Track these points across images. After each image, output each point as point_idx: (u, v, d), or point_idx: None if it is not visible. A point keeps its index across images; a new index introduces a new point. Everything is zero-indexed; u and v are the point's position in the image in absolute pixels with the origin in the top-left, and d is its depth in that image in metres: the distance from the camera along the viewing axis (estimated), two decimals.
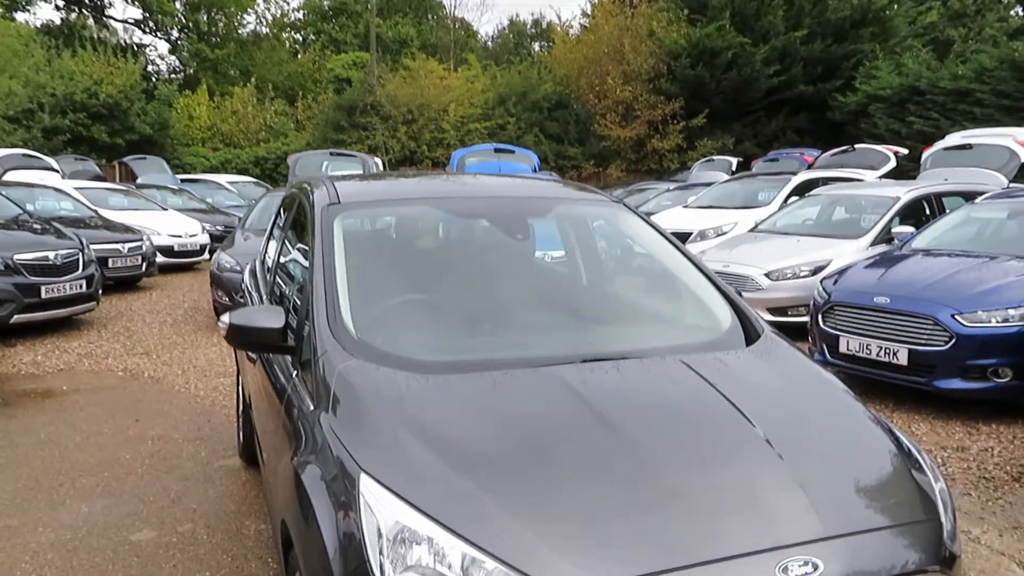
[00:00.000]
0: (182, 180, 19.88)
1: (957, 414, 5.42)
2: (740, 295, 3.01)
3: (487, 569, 1.70)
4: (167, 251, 12.98)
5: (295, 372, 2.62)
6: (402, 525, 1.79)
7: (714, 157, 19.56)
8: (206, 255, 13.91)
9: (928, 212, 8.62)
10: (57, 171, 15.04)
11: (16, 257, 7.85)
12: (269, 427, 3.03)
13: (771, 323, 2.92)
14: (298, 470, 2.19)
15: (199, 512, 3.97)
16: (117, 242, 10.98)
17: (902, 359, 5.51)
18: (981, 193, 8.46)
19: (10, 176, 13.71)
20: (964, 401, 5.46)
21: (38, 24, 33.25)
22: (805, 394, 2.39)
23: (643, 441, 2.01)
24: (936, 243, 6.80)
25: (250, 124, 29.70)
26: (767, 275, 7.66)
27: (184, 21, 38.10)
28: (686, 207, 12.36)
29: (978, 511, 3.97)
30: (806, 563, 1.70)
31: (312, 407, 2.33)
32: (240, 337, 2.69)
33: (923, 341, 5.42)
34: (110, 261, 10.58)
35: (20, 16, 31.02)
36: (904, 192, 8.65)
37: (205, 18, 38.46)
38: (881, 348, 5.63)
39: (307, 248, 3.27)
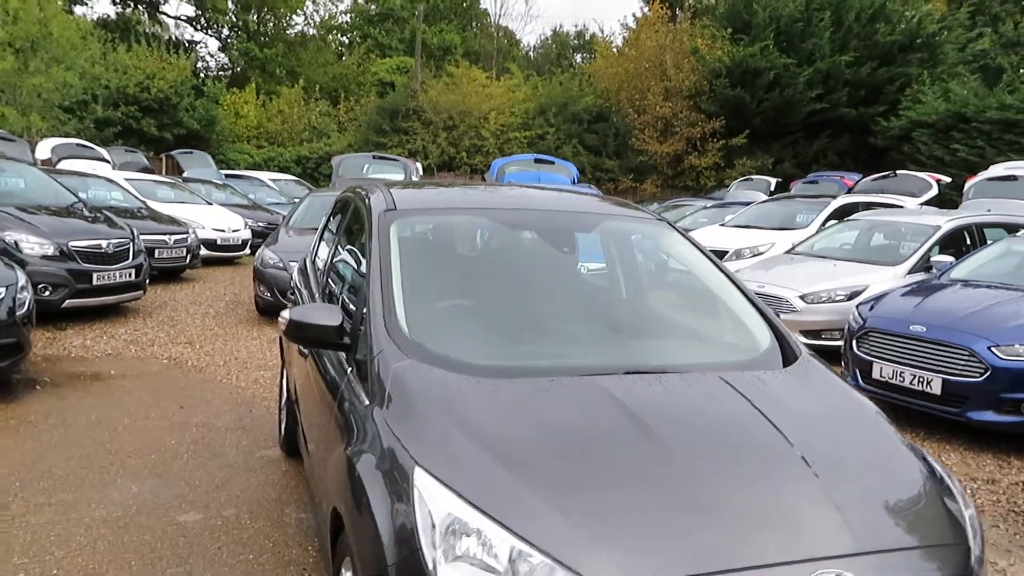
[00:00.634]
0: (226, 175, 20.30)
1: (988, 446, 5.42)
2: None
3: (533, 562, 1.81)
4: (210, 245, 13.28)
5: (350, 368, 2.76)
6: (453, 517, 1.91)
7: (752, 177, 19.53)
8: (247, 250, 14.23)
9: (969, 242, 8.58)
10: (108, 162, 15.48)
11: (71, 244, 8.14)
12: (318, 419, 3.17)
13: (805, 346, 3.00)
14: (352, 460, 2.32)
15: (242, 498, 4.13)
16: (164, 234, 11.29)
17: (935, 388, 5.52)
18: (1023, 226, 8.42)
19: (64, 164, 14.15)
20: (996, 434, 5.46)
21: (95, 18, 34.15)
22: (841, 417, 2.47)
23: (684, 452, 2.11)
24: (975, 274, 6.79)
25: (295, 124, 30.24)
26: (802, 297, 7.68)
27: (235, 19, 38.93)
28: (723, 225, 12.39)
29: (1006, 543, 4.00)
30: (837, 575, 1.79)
31: (367, 402, 2.46)
32: (298, 332, 2.83)
33: (958, 371, 5.43)
34: (156, 252, 10.87)
35: (78, 10, 31.92)
36: (945, 221, 8.61)
37: (255, 17, 39.26)
38: (915, 376, 5.64)
39: (361, 250, 3.42)
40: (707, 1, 29.19)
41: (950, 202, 14.60)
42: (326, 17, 43.08)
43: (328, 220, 4.69)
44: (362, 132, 28.53)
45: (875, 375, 5.88)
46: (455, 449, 2.11)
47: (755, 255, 10.41)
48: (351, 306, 3.09)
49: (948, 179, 13.54)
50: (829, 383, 2.70)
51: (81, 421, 5.25)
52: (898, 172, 13.52)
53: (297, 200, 18.77)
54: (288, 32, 40.53)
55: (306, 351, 3.47)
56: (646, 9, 28.74)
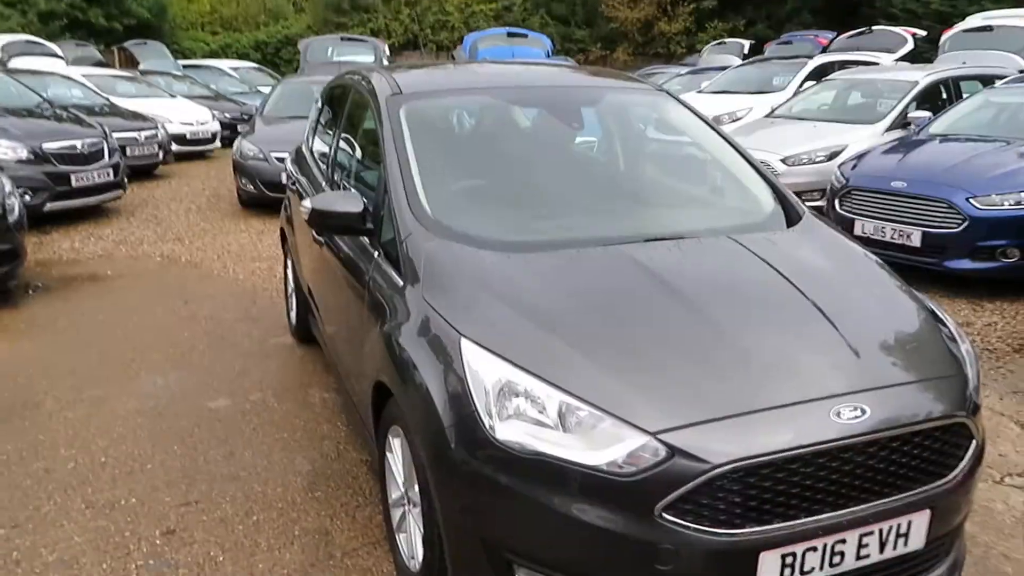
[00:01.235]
0: (184, 66, 19.54)
1: (963, 293, 5.72)
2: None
3: (580, 415, 1.99)
4: (180, 139, 12.99)
5: (376, 252, 2.86)
6: (504, 380, 2.07)
7: (725, 40, 19.18)
8: (218, 143, 13.95)
9: (945, 96, 8.65)
10: (61, 58, 14.85)
11: (44, 146, 7.97)
12: (342, 304, 3.29)
13: None
14: (393, 336, 2.47)
15: (265, 383, 4.31)
16: (133, 130, 11.00)
17: (915, 241, 5.77)
18: (998, 77, 8.49)
19: (15, 63, 13.55)
20: (970, 281, 5.76)
21: None
22: (847, 268, 2.64)
23: (710, 308, 2.28)
24: (953, 128, 6.93)
25: (250, 6, 28.84)
26: (784, 160, 7.78)
27: None
28: (700, 92, 12.31)
29: (981, 379, 4.31)
30: (855, 409, 1.99)
31: (400, 283, 2.58)
32: (322, 221, 2.91)
33: (937, 224, 5.66)
34: (128, 149, 10.63)
35: None
36: (922, 76, 8.65)
37: None
38: (896, 231, 5.87)
39: (369, 137, 3.46)
40: None
41: (924, 56, 14.55)
42: None
43: (321, 109, 4.65)
44: (320, 12, 27.34)
45: (857, 231, 6.09)
46: (496, 318, 2.25)
47: (734, 120, 10.44)
48: (367, 192, 3.15)
49: (923, 32, 13.44)
50: (833, 239, 2.87)
51: (90, 321, 5.35)
52: (873, 28, 13.37)
53: (261, 89, 18.34)
54: None
55: (321, 239, 3.55)
56: None
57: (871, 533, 2.01)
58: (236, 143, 9.25)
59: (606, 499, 1.91)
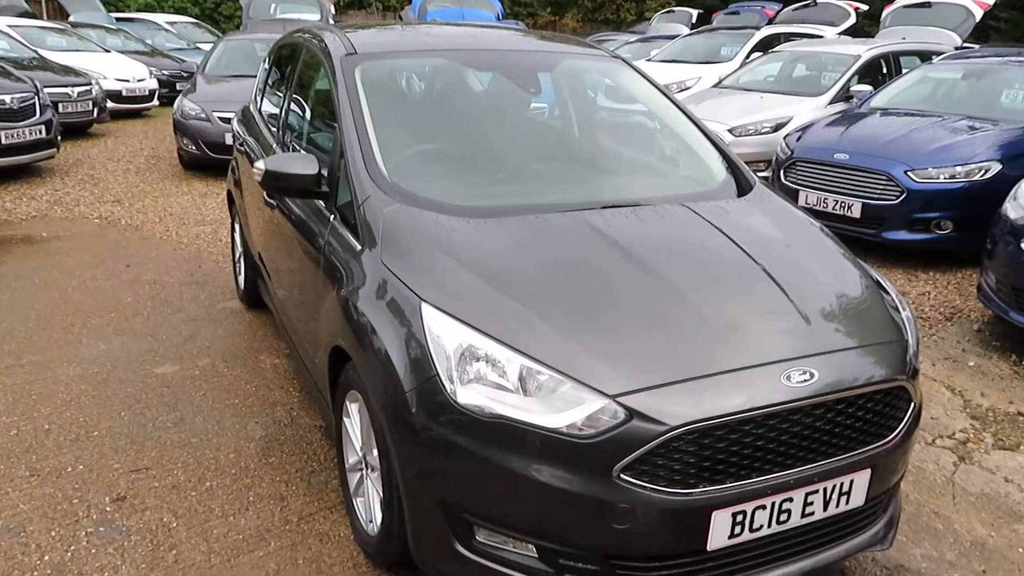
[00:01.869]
0: (117, 19, 18.73)
1: (899, 263, 5.94)
2: None
3: (540, 379, 2.02)
4: (115, 96, 12.51)
5: (332, 216, 2.82)
6: (465, 345, 2.08)
7: (674, 9, 19.23)
8: (155, 101, 13.48)
9: (885, 71, 8.88)
10: None
11: None
12: (295, 268, 3.25)
13: None
14: (350, 300, 2.45)
15: (213, 348, 4.24)
16: (66, 86, 10.56)
17: (855, 212, 5.94)
18: (936, 52, 8.74)
19: None
20: (906, 251, 5.97)
21: None
22: (796, 237, 2.72)
23: (667, 274, 2.32)
24: (894, 102, 7.12)
25: None
26: (731, 131, 7.90)
27: None
28: (649, 60, 12.35)
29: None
30: (804, 372, 2.06)
31: (358, 247, 2.56)
32: (275, 183, 2.85)
33: (876, 195, 5.84)
34: (60, 106, 10.19)
35: None
36: (864, 50, 8.85)
37: None
38: (837, 202, 6.04)
39: (321, 98, 3.40)
40: None
41: (864, 30, 14.85)
42: None
43: (269, 68, 4.54)
44: None
45: (800, 202, 6.24)
46: (457, 283, 2.26)
47: (683, 90, 10.52)
48: (321, 154, 3.10)
49: (865, 7, 13.70)
50: (783, 208, 2.94)
51: (26, 284, 5.16)
52: (818, 1, 13.57)
53: (201, 45, 17.72)
54: None
55: (273, 203, 3.49)
56: None
57: (816, 492, 2.10)
58: (177, 102, 8.95)
59: (566, 461, 1.95)
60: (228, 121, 7.95)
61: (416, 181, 2.76)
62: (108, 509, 2.81)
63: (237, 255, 4.96)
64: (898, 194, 5.72)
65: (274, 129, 3.95)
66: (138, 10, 24.10)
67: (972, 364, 4.27)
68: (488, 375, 2.06)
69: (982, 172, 5.60)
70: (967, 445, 3.43)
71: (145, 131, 12.05)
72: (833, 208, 6.05)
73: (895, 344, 2.32)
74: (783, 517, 2.08)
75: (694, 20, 17.45)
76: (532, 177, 2.99)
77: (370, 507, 2.52)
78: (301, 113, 3.69)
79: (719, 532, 2.00)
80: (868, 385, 2.16)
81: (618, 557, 2.02)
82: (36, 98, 8.26)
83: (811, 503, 2.11)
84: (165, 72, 14.70)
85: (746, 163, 3.24)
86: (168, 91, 14.13)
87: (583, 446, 1.94)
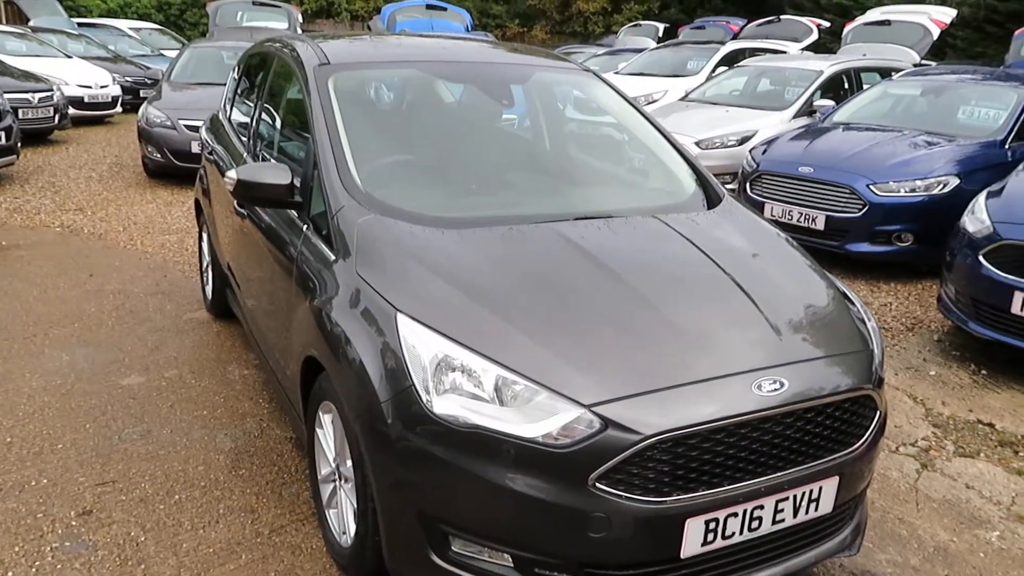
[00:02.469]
0: (79, 24, 18.42)
1: (862, 274, 6.07)
2: None
3: (516, 389, 2.03)
4: (77, 103, 12.28)
5: (305, 226, 2.81)
6: (441, 355, 2.09)
7: (641, 22, 19.48)
8: (118, 108, 13.27)
9: (847, 86, 9.08)
10: None
11: None
12: (266, 278, 3.23)
13: None
14: (324, 311, 2.45)
15: (180, 359, 4.18)
16: (26, 92, 10.36)
17: (819, 224, 6.06)
18: (895, 69, 8.96)
19: None
20: (869, 263, 6.10)
21: None
22: (764, 249, 2.77)
23: (640, 285, 2.35)
24: (855, 117, 7.28)
25: None
26: (698, 144, 8.02)
27: None
28: (617, 73, 12.48)
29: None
30: (774, 382, 2.10)
31: (332, 257, 2.56)
32: (247, 193, 2.83)
33: (840, 208, 5.96)
34: (20, 112, 10.00)
35: None
36: (827, 66, 9.04)
37: None
38: (802, 214, 6.15)
39: (293, 107, 3.39)
40: None
41: (826, 46, 15.18)
42: None
43: (239, 77, 4.51)
44: None
45: (766, 215, 6.34)
46: (432, 293, 2.26)
47: (650, 103, 10.65)
48: (293, 164, 3.09)
49: (827, 23, 14.01)
50: (751, 221, 3.00)
51: None
52: (782, 17, 13.85)
53: (165, 52, 17.51)
54: None
55: (244, 212, 3.46)
56: None
57: (786, 499, 2.14)
58: (141, 109, 8.82)
59: (541, 470, 1.97)
60: (195, 129, 7.88)
61: (390, 192, 2.77)
62: (74, 523, 2.76)
63: (205, 264, 4.90)
64: (860, 207, 5.85)
65: (244, 138, 3.93)
66: (101, 15, 23.76)
67: (933, 373, 4.38)
68: (464, 385, 2.06)
69: (941, 186, 5.76)
70: (929, 453, 3.51)
71: (108, 138, 11.86)
72: (798, 220, 6.17)
73: (861, 354, 2.37)
74: (754, 524, 2.11)
75: (660, 34, 17.70)
76: (506, 188, 3.01)
77: (343, 518, 2.51)
78: (272, 122, 3.67)
79: (692, 540, 2.03)
80: (836, 394, 2.20)
81: (593, 566, 2.04)
82: None
83: (781, 510, 2.15)
84: (128, 79, 14.50)
85: (714, 176, 3.29)
86: (132, 98, 13.93)
87: (559, 455, 1.95)
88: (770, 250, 2.79)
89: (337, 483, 2.54)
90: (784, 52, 12.03)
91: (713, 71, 11.31)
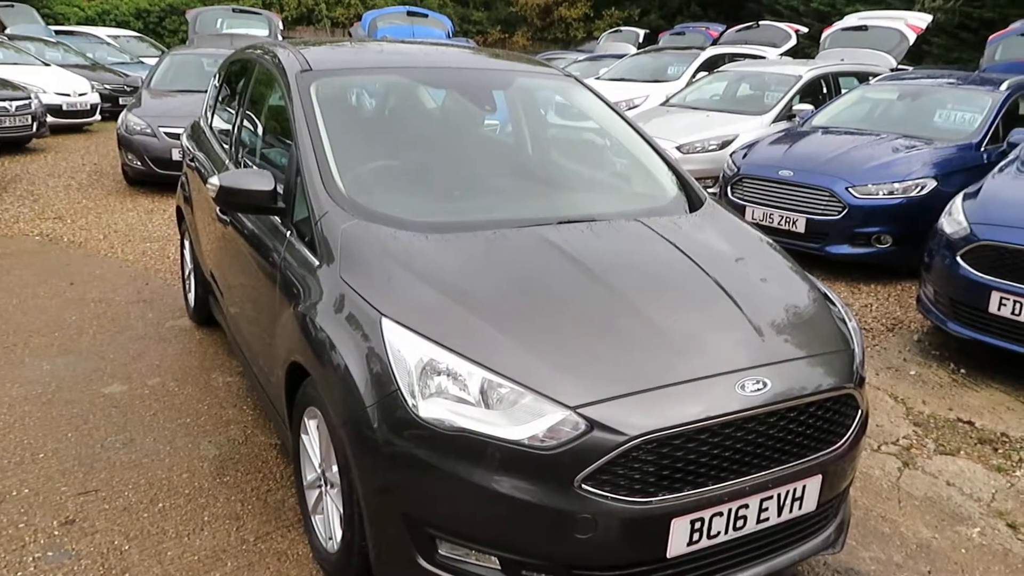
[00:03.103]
0: (56, 32, 18.25)
1: (842, 276, 6.13)
2: None
3: (501, 392, 2.04)
4: (55, 111, 12.18)
5: (288, 232, 2.81)
6: (426, 359, 2.09)
7: (621, 29, 19.59)
8: (97, 116, 13.17)
9: (825, 91, 9.18)
10: None
11: None
12: (249, 284, 3.22)
13: None
14: (308, 316, 2.44)
15: (163, 368, 4.15)
16: (3, 99, 10.26)
17: (800, 227, 6.12)
18: (873, 74, 9.07)
19: None
20: (849, 264, 6.17)
21: None
22: (746, 251, 2.80)
23: (623, 287, 2.37)
24: (834, 121, 7.36)
25: None
26: (679, 148, 8.06)
27: None
28: (598, 79, 12.53)
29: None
30: (758, 382, 2.12)
31: (316, 263, 2.56)
32: (230, 199, 2.83)
33: (819, 211, 6.02)
34: None
35: None
36: (805, 71, 9.13)
37: None
38: (783, 217, 6.21)
39: (274, 114, 3.39)
40: None
41: (804, 51, 15.33)
42: None
43: (220, 84, 4.49)
44: None
45: (748, 217, 6.39)
46: (417, 298, 2.27)
47: (631, 108, 10.70)
48: (275, 170, 3.08)
49: (806, 29, 14.16)
50: (733, 223, 3.03)
51: None
52: (760, 23, 13.98)
53: (145, 60, 17.40)
54: None
55: (227, 219, 3.45)
56: None
57: (771, 498, 2.16)
58: (121, 117, 8.77)
59: (528, 472, 1.97)
60: (175, 136, 7.83)
61: (373, 197, 2.77)
62: (56, 533, 2.73)
63: (187, 272, 4.87)
64: (840, 209, 5.91)
65: (226, 145, 3.91)
66: (79, 23, 23.53)
67: (913, 373, 4.43)
68: (449, 389, 2.07)
69: (918, 188, 5.83)
70: (911, 451, 3.55)
71: (87, 146, 11.77)
72: (778, 223, 6.22)
73: (843, 353, 2.40)
74: (739, 523, 2.13)
75: (641, 40, 17.80)
76: (489, 193, 3.02)
77: (329, 524, 2.50)
78: (254, 129, 3.67)
79: (678, 539, 2.04)
80: (818, 393, 2.23)
81: (580, 567, 2.05)
82: None
83: (766, 509, 2.16)
84: (107, 86, 14.38)
85: (696, 179, 3.32)
86: (111, 106, 13.82)
87: (544, 457, 1.96)
88: (752, 252, 2.82)
89: (323, 489, 2.54)
90: (763, 57, 12.14)
91: (693, 76, 11.39)
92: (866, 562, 2.77)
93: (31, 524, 2.77)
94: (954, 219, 4.60)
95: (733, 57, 12.03)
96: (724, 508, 2.09)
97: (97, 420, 3.55)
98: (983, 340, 4.28)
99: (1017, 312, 4.06)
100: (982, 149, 6.25)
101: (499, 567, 2.07)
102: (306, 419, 2.58)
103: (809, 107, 8.27)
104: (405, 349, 2.12)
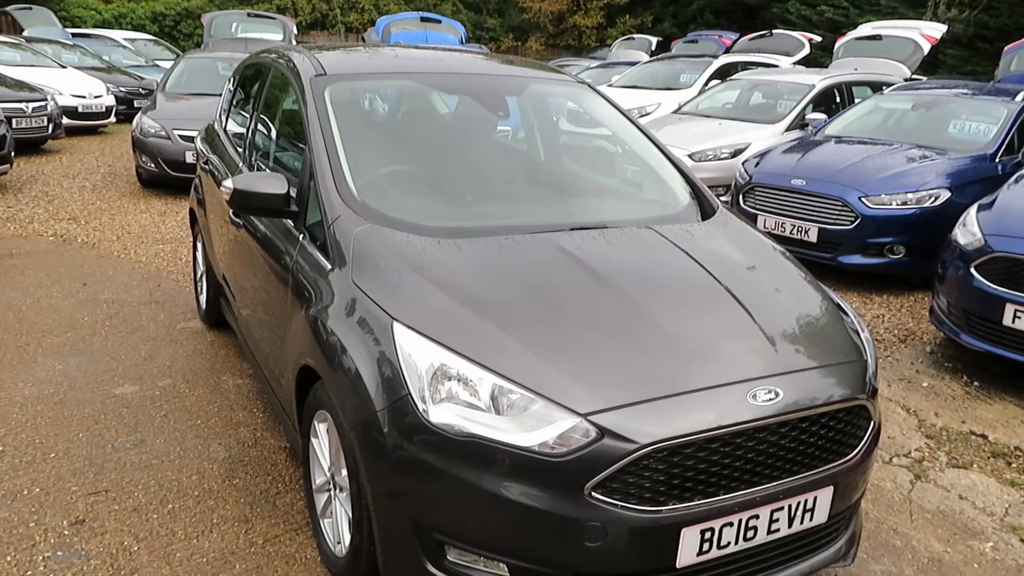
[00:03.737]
0: (73, 35, 18.42)
1: (855, 286, 6.09)
2: None
3: (512, 398, 2.04)
4: (71, 113, 12.29)
5: (301, 235, 2.82)
6: (437, 364, 2.09)
7: (634, 36, 19.60)
8: (112, 118, 13.27)
9: (839, 100, 9.15)
10: None
11: None
12: (261, 287, 3.23)
13: None
14: (320, 319, 2.45)
15: (174, 369, 4.17)
16: (20, 101, 10.35)
17: (812, 237, 6.09)
18: (886, 83, 9.04)
19: None
20: (861, 275, 6.13)
21: None
22: (758, 260, 2.78)
23: (635, 294, 2.36)
24: (847, 130, 7.33)
25: None
26: (690, 156, 8.05)
27: None
28: (610, 86, 12.54)
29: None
30: (769, 391, 2.11)
31: (328, 266, 2.56)
32: (243, 202, 2.84)
33: (832, 220, 6.00)
34: (13, 121, 9.98)
35: None
36: (818, 80, 9.11)
37: None
38: (794, 226, 6.19)
39: (288, 118, 3.40)
40: None
41: (817, 61, 15.30)
42: None
43: (235, 88, 4.52)
44: None
45: (759, 226, 6.36)
46: (428, 303, 2.27)
47: (643, 115, 10.70)
48: (289, 174, 3.09)
49: (819, 38, 14.13)
50: (745, 232, 3.02)
51: None
52: (774, 32, 13.96)
53: (160, 63, 17.52)
54: None
55: (239, 221, 3.46)
56: None
57: (781, 508, 2.15)
58: (136, 119, 8.83)
59: (537, 479, 1.97)
60: (189, 139, 7.88)
61: (386, 202, 2.78)
62: (66, 533, 2.74)
63: (199, 274, 4.90)
64: (852, 219, 5.88)
65: (240, 149, 3.93)
66: (95, 26, 23.73)
67: (926, 385, 4.40)
68: (460, 394, 2.07)
69: (932, 199, 5.80)
70: (923, 464, 3.52)
71: (102, 148, 11.86)
72: (790, 232, 6.20)
73: (855, 364, 2.39)
74: (750, 534, 2.11)
75: (654, 47, 17.80)
76: (501, 199, 3.02)
77: (338, 528, 2.50)
78: (268, 133, 3.68)
79: (688, 549, 2.03)
80: (830, 404, 2.21)
81: (589, 575, 2.04)
82: None
83: (776, 520, 2.15)
84: (123, 89, 14.49)
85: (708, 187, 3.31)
86: (126, 108, 13.94)
87: (554, 464, 1.96)
88: (764, 261, 2.80)
89: (332, 492, 2.54)
90: (776, 66, 12.12)
91: (706, 84, 11.38)
92: (877, 575, 2.74)
93: (41, 523, 2.78)
94: (968, 230, 4.57)
95: (746, 65, 12.02)
96: (735, 518, 2.07)
97: (108, 421, 3.56)
98: (997, 352, 4.25)
99: None
100: (997, 160, 6.21)
101: (508, 574, 2.07)
102: (316, 422, 2.58)
103: (822, 116, 8.25)
104: (416, 354, 2.12)
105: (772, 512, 2.13)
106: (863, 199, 5.87)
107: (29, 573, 2.53)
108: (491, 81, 3.56)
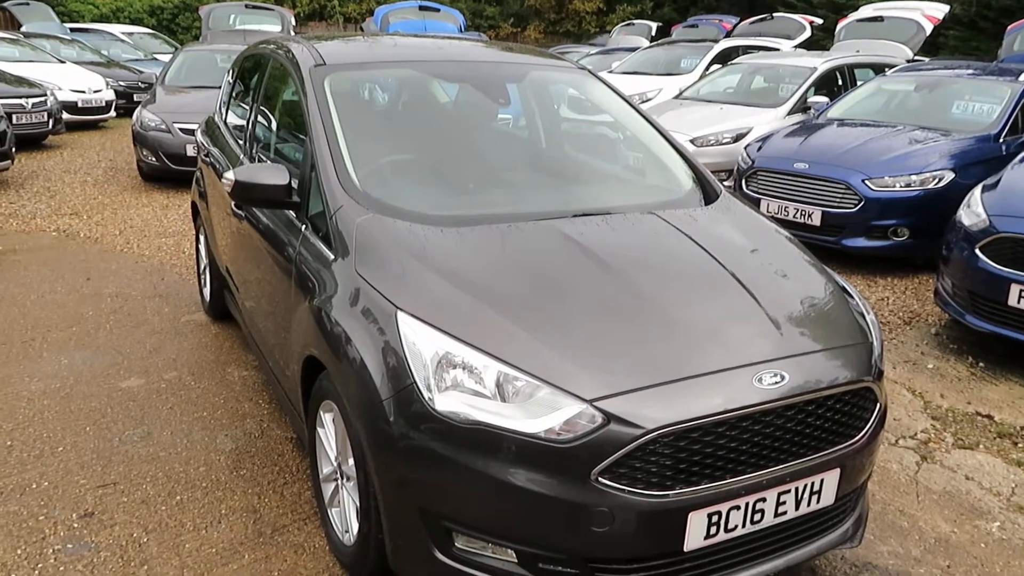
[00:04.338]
0: (71, 30, 18.37)
1: (859, 269, 6.08)
2: None
3: (517, 385, 2.04)
4: (71, 108, 12.27)
5: (303, 226, 2.82)
6: (442, 352, 2.09)
7: (634, 22, 19.50)
8: (112, 112, 13.25)
9: (841, 83, 9.10)
10: None
11: None
12: (265, 279, 3.23)
13: None
14: (324, 309, 2.45)
15: (180, 362, 4.18)
16: (19, 97, 10.35)
17: (816, 220, 6.08)
18: (888, 65, 8.99)
19: None
20: (865, 258, 6.12)
21: None
22: (762, 243, 2.78)
23: (639, 280, 2.36)
24: (849, 113, 7.30)
25: None
26: (692, 141, 8.03)
27: None
28: (611, 72, 12.49)
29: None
30: (775, 375, 2.11)
31: (332, 256, 2.56)
32: (245, 194, 2.83)
33: (835, 204, 5.98)
34: (14, 117, 9.97)
35: None
36: (820, 63, 9.06)
37: None
38: (798, 210, 6.17)
39: (289, 108, 3.39)
40: None
41: (819, 43, 15.22)
42: None
43: (234, 79, 4.50)
44: None
45: (763, 210, 6.34)
46: (432, 291, 2.27)
47: (644, 101, 10.66)
48: (290, 165, 3.09)
49: (820, 20, 14.04)
50: (749, 216, 3.01)
51: None
52: (775, 15, 13.87)
53: (159, 56, 17.49)
54: None
55: (242, 213, 3.46)
56: None
57: (788, 491, 2.15)
58: (136, 113, 8.82)
59: (544, 466, 1.97)
60: (189, 132, 7.87)
61: (388, 191, 2.77)
62: (76, 525, 2.75)
63: (202, 267, 4.90)
64: (856, 202, 5.86)
65: (241, 141, 3.92)
66: (93, 20, 23.67)
67: (931, 366, 4.39)
68: (465, 382, 2.07)
69: (936, 181, 5.77)
70: (929, 445, 3.52)
71: (102, 142, 11.85)
72: (794, 216, 6.18)
73: (861, 346, 2.38)
74: (757, 517, 2.12)
75: (654, 33, 17.71)
76: (504, 186, 3.01)
77: (346, 517, 2.51)
78: (268, 124, 3.67)
79: (695, 533, 2.04)
80: (836, 386, 2.21)
81: (597, 560, 2.05)
82: None
83: (783, 503, 2.15)
84: (122, 83, 14.48)
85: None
86: (125, 102, 13.93)
87: (561, 450, 1.96)
88: (768, 245, 2.80)
89: (339, 482, 2.55)
90: (777, 49, 12.05)
91: (707, 69, 11.33)
92: (884, 556, 2.75)
93: (51, 516, 2.80)
94: (973, 211, 4.55)
95: (747, 49, 11.96)
96: (742, 502, 2.07)
97: (115, 414, 3.57)
98: (1002, 333, 4.24)
99: None
100: (1001, 140, 6.18)
101: (516, 560, 2.07)
102: (322, 412, 2.58)
103: (824, 99, 8.20)
104: (421, 342, 2.12)
105: (779, 495, 2.13)
106: (866, 182, 5.84)
107: (40, 566, 2.55)
108: (491, 68, 3.55)
